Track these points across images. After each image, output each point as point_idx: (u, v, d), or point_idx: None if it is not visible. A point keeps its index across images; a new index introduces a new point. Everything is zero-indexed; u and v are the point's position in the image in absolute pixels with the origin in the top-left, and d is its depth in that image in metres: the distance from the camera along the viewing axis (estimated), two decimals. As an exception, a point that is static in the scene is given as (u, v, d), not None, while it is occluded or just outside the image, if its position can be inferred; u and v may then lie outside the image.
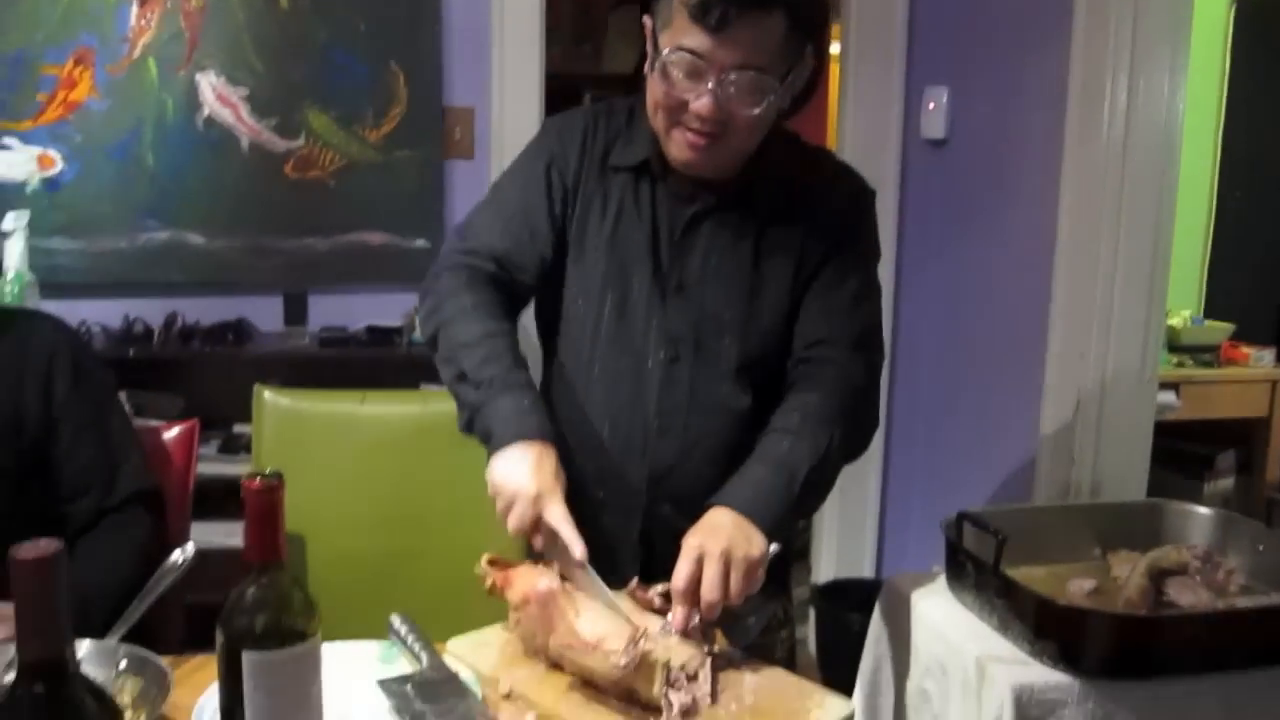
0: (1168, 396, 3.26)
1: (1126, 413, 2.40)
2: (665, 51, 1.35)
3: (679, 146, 1.40)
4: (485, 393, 1.36)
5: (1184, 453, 3.59)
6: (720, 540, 1.26)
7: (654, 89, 1.39)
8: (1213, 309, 3.93)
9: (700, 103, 1.34)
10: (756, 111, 1.35)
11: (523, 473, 1.29)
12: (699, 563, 1.25)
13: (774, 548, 1.32)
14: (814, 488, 1.39)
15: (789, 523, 1.38)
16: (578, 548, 1.27)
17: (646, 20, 1.40)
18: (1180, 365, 3.51)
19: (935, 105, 2.97)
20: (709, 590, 1.24)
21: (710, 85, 1.33)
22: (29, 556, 0.70)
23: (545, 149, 1.53)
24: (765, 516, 1.31)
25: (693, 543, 1.27)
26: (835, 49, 3.25)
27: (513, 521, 1.29)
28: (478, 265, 1.48)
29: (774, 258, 1.48)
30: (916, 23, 3.06)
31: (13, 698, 0.73)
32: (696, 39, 1.31)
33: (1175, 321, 3.60)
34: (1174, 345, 3.56)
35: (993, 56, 2.76)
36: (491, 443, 1.34)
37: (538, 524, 1.29)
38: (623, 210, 1.49)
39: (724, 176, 1.45)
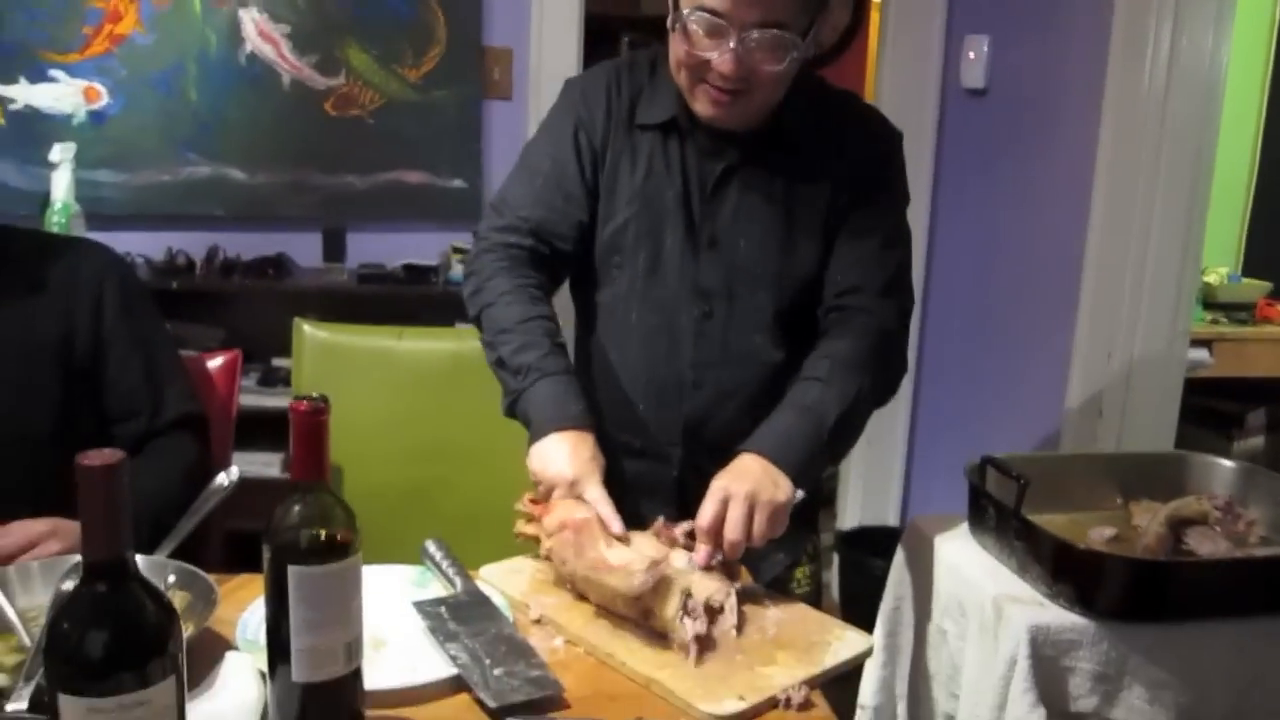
0: (1200, 353, 3.25)
1: (1157, 368, 2.41)
2: (686, 11, 1.34)
3: (703, 103, 1.41)
4: (523, 380, 1.41)
5: (1215, 410, 3.58)
6: (746, 483, 1.29)
7: (676, 47, 1.39)
8: (1251, 266, 3.88)
9: (722, 61, 1.34)
10: (779, 68, 1.36)
11: (560, 459, 1.34)
12: (724, 504, 1.28)
13: (800, 494, 1.34)
14: (843, 434, 1.41)
15: (817, 468, 1.41)
16: (615, 524, 1.32)
17: None
18: (1215, 322, 3.49)
19: (975, 54, 2.94)
20: (731, 530, 1.27)
21: (731, 44, 1.33)
22: (95, 463, 0.75)
23: (571, 112, 1.53)
24: (793, 462, 1.34)
25: (719, 484, 1.30)
26: (877, -5, 3.23)
27: None
28: (515, 243, 1.50)
29: (805, 207, 1.49)
30: (959, -32, 3.03)
31: (78, 595, 0.78)
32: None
33: (1211, 278, 3.57)
34: (1210, 302, 3.53)
35: (1035, 5, 2.73)
36: (530, 430, 1.39)
37: None
38: (652, 167, 1.50)
39: (750, 128, 1.45)
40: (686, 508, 1.39)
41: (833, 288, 1.49)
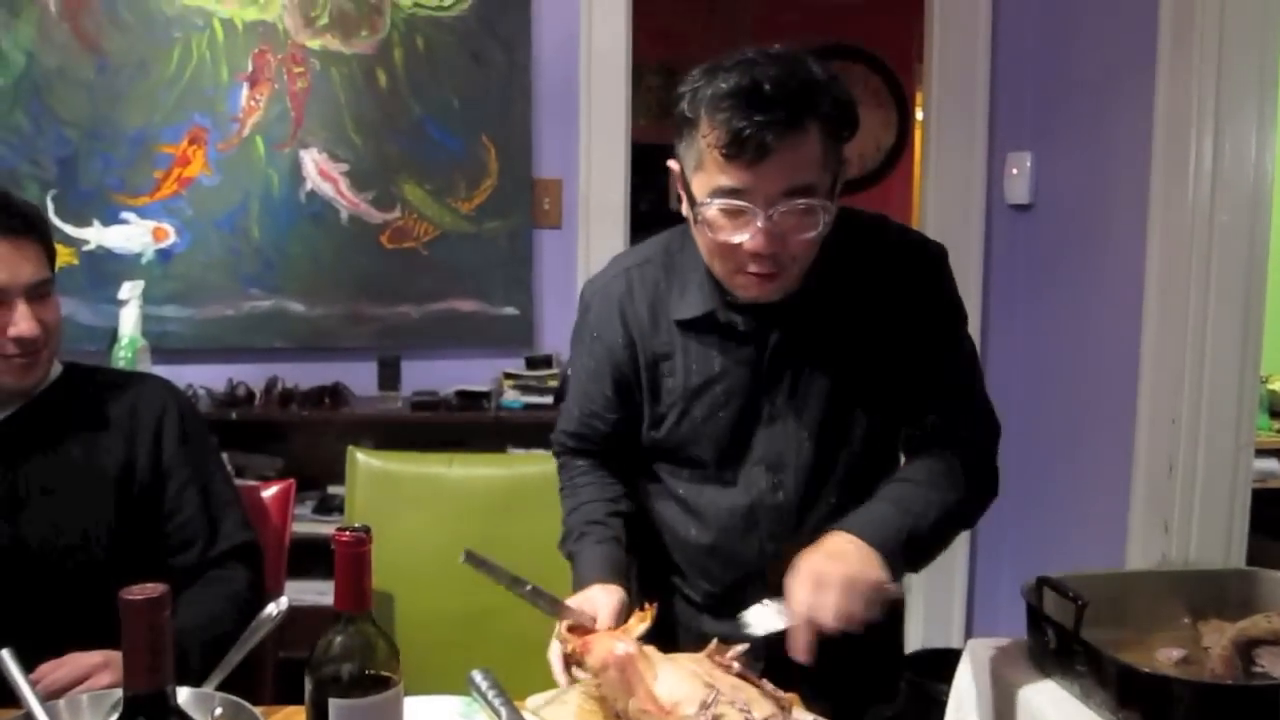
0: (1269, 463, 3.17)
1: (1222, 480, 2.34)
2: (703, 200, 1.30)
3: (744, 288, 1.37)
4: (574, 569, 1.49)
5: (1291, 522, 3.46)
6: (840, 566, 1.26)
7: (703, 239, 1.35)
8: (1319, 374, 3.79)
9: (754, 242, 1.28)
10: (813, 235, 1.31)
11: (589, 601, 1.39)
12: (817, 588, 1.25)
13: (894, 587, 1.30)
14: (934, 541, 1.42)
15: (905, 564, 1.38)
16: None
17: (673, 165, 1.36)
18: (1284, 432, 3.41)
19: (1018, 170, 2.97)
20: (827, 616, 1.23)
21: (760, 223, 1.27)
22: (138, 598, 0.76)
23: (589, 328, 1.55)
24: (887, 549, 1.31)
25: (810, 568, 1.27)
26: (919, 115, 3.29)
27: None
28: (571, 447, 1.61)
29: (862, 353, 1.44)
30: (998, 88, 3.08)
31: (119, 731, 0.79)
32: (735, 176, 1.26)
33: (1277, 386, 3.50)
34: (1277, 410, 3.45)
35: (1076, 121, 2.76)
36: None
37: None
38: (693, 361, 1.47)
39: (793, 290, 1.41)
40: None
41: (914, 422, 1.48)
